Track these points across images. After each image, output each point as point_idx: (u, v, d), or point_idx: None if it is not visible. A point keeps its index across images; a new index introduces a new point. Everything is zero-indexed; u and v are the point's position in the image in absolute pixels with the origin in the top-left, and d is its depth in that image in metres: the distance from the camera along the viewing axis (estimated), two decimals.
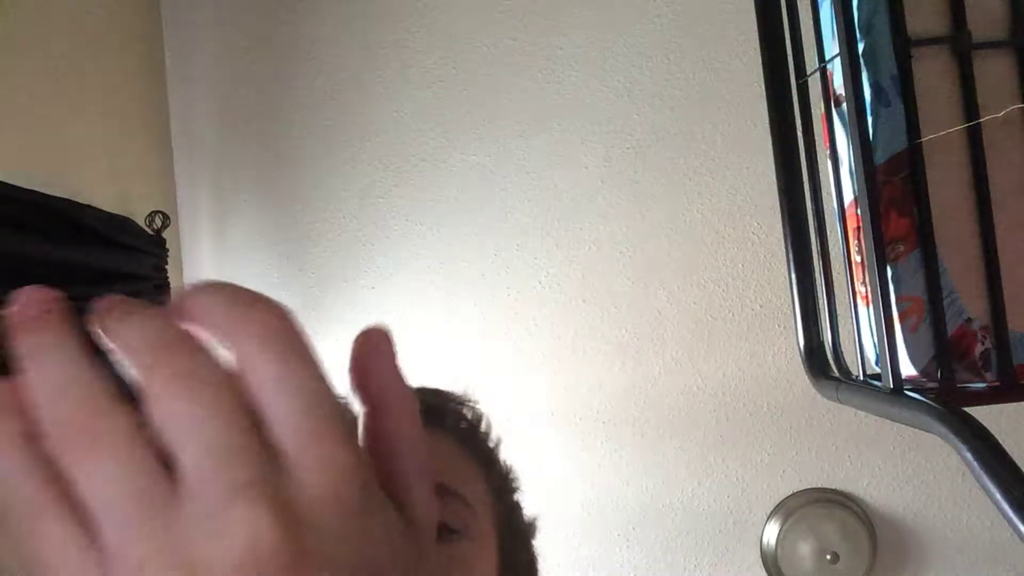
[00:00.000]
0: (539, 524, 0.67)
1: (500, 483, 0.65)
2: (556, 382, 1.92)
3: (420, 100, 1.96)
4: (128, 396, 0.25)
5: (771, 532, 1.85)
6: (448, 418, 0.64)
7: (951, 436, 0.68)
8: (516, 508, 0.66)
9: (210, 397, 0.24)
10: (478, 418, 0.66)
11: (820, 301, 0.99)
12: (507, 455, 0.67)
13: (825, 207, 1.00)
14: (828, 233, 0.99)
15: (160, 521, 0.23)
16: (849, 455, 1.85)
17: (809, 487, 1.86)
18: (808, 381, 1.00)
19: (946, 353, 0.79)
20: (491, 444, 0.66)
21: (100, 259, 1.58)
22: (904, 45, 0.81)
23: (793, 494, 1.86)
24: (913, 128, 0.80)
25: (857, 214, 0.85)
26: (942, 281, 0.79)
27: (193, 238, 2.02)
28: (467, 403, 0.67)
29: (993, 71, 0.81)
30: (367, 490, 0.26)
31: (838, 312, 0.98)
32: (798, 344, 0.99)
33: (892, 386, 0.78)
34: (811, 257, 0.98)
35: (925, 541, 1.84)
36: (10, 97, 1.46)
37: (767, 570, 1.85)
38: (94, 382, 0.25)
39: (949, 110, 0.81)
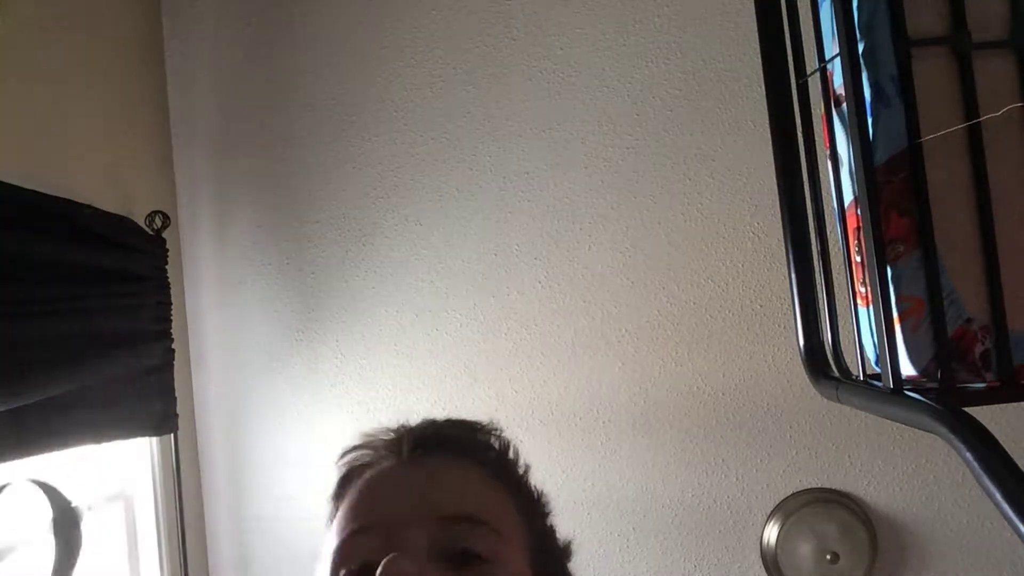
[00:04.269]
0: (573, 548, 0.69)
1: (530, 508, 0.66)
2: (556, 382, 1.92)
3: (420, 100, 1.96)
4: None
5: (771, 532, 1.85)
6: (476, 449, 0.66)
7: (951, 436, 0.68)
8: (549, 532, 0.67)
9: None
10: (505, 446, 0.68)
11: (820, 301, 0.99)
12: (536, 481, 0.69)
13: (825, 207, 1.00)
14: (828, 233, 0.99)
15: None
16: (849, 455, 1.85)
17: (809, 487, 1.86)
18: (808, 381, 1.00)
19: (946, 353, 0.79)
20: (519, 471, 0.68)
21: (100, 259, 1.58)
22: (904, 45, 0.81)
23: (793, 494, 1.86)
24: (913, 128, 0.80)
25: (857, 214, 0.85)
26: (942, 281, 0.79)
27: (193, 238, 2.02)
28: (493, 432, 0.68)
29: (993, 71, 0.81)
30: None
31: (838, 312, 0.98)
32: (798, 344, 0.99)
33: (892, 386, 0.78)
34: (811, 257, 0.98)
35: (925, 541, 1.84)
36: (10, 97, 1.46)
37: (767, 570, 1.85)
38: None
39: (949, 110, 0.81)
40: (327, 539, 0.62)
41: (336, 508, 0.64)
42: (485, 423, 0.68)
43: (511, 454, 0.68)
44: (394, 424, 0.67)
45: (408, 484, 0.61)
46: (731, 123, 1.87)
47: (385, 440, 0.66)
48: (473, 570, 0.56)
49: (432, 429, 0.66)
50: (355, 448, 0.67)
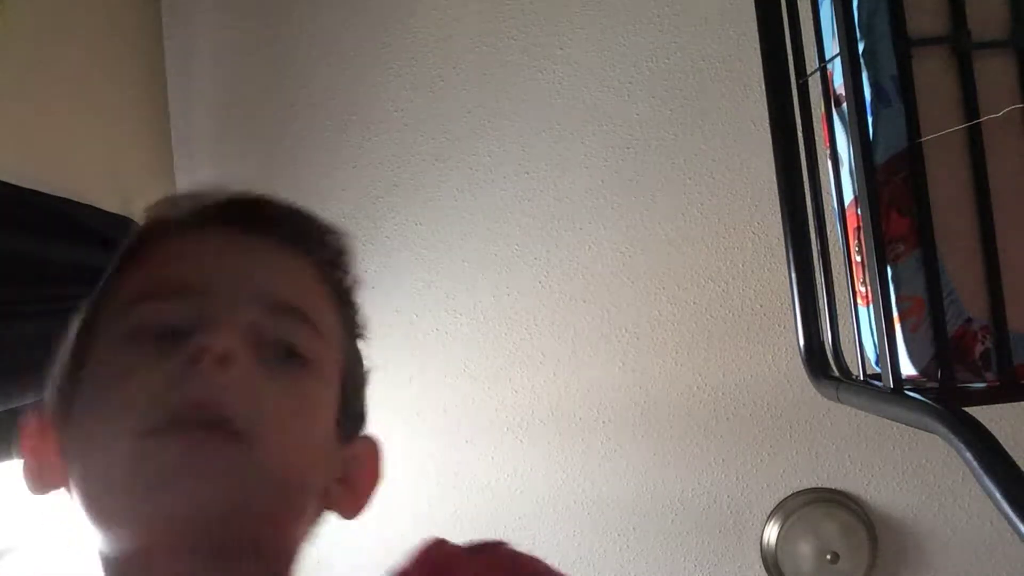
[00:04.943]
0: (372, 376, 0.65)
1: (352, 319, 0.61)
2: (556, 382, 1.92)
3: (420, 100, 1.96)
4: None
5: (771, 532, 1.85)
6: (314, 245, 0.59)
7: (951, 436, 0.68)
8: (360, 354, 0.63)
9: None
10: (343, 251, 0.62)
11: (820, 301, 0.99)
12: (362, 299, 0.63)
13: (825, 207, 1.00)
14: (828, 233, 0.99)
15: None
16: (849, 455, 1.85)
17: (809, 487, 1.86)
18: (808, 381, 1.00)
19: (946, 353, 0.79)
20: (350, 283, 0.62)
21: (100, 259, 1.58)
22: (904, 45, 0.81)
23: (793, 494, 1.86)
24: (913, 128, 0.80)
25: (857, 214, 0.85)
26: (942, 281, 0.79)
27: None
28: (336, 233, 0.62)
29: (993, 71, 0.81)
30: None
31: (838, 312, 0.98)
32: (798, 344, 0.99)
33: (892, 386, 0.78)
34: (811, 257, 0.98)
35: (925, 541, 1.84)
36: (10, 97, 1.46)
37: (767, 570, 1.85)
38: None
39: (949, 110, 0.81)
40: (111, 302, 0.53)
41: (130, 264, 0.55)
42: (328, 222, 0.62)
43: (347, 261, 0.62)
44: (219, 188, 0.59)
45: (235, 258, 0.54)
46: (731, 123, 1.87)
47: (209, 203, 0.57)
48: (291, 367, 0.52)
49: (268, 206, 0.59)
50: (168, 202, 0.58)
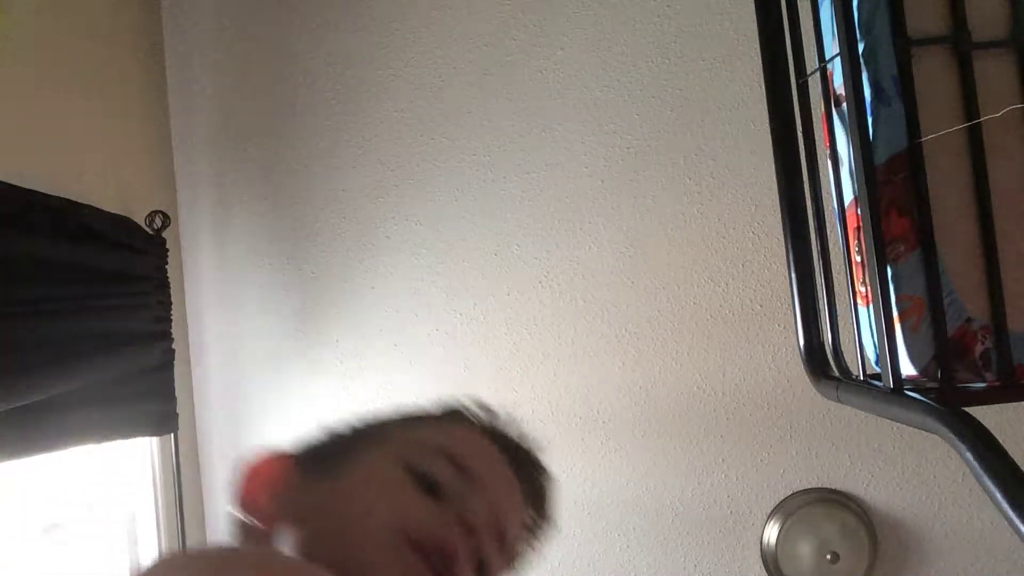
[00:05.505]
0: None
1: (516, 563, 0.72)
2: (556, 382, 1.92)
3: (420, 100, 1.96)
4: None
5: (771, 532, 1.85)
6: (536, 497, 0.73)
7: (951, 436, 0.68)
8: None
9: None
10: (549, 490, 0.75)
11: (820, 301, 0.99)
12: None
13: (825, 207, 1.00)
14: (828, 233, 0.99)
15: None
16: (849, 455, 1.85)
17: (809, 487, 1.86)
18: (808, 381, 1.00)
19: (946, 353, 0.79)
20: (548, 524, 0.74)
21: (100, 259, 1.58)
22: (904, 45, 0.81)
23: (793, 494, 1.86)
24: (913, 128, 0.80)
25: (857, 214, 0.85)
26: (942, 281, 0.79)
27: (193, 238, 2.02)
28: (544, 470, 0.75)
29: (993, 71, 0.81)
30: None
31: (838, 312, 0.98)
32: (798, 344, 0.99)
33: (892, 386, 0.78)
34: (811, 257, 0.98)
35: (925, 541, 1.84)
36: (10, 97, 1.46)
37: (767, 570, 1.85)
38: None
39: (949, 110, 0.81)
40: (414, 435, 0.67)
41: (443, 425, 0.71)
42: (539, 459, 0.75)
43: (549, 501, 0.76)
44: (510, 416, 0.74)
45: (500, 481, 0.68)
46: (731, 122, 1.87)
47: (502, 431, 0.73)
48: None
49: (530, 460, 0.74)
50: (478, 404, 0.74)
